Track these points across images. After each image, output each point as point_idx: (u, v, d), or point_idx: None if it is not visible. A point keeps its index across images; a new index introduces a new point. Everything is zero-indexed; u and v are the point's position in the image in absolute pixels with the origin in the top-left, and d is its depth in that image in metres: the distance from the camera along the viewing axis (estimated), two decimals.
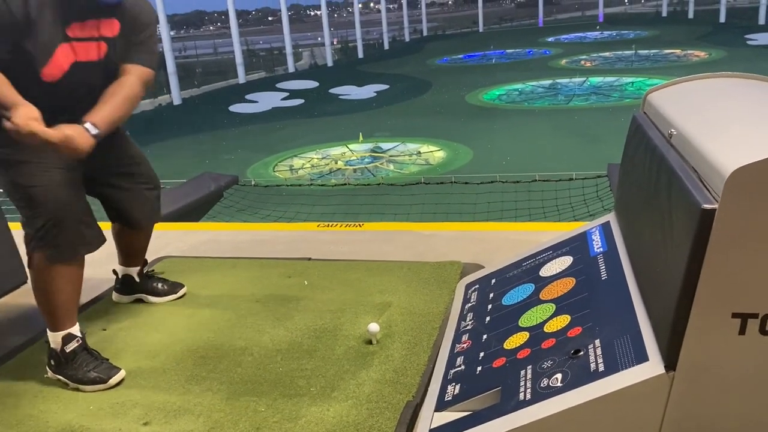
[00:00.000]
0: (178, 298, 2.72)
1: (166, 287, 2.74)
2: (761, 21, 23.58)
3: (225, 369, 2.18)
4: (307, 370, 2.13)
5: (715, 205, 1.30)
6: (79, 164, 2.15)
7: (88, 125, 1.97)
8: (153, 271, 2.81)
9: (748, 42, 19.53)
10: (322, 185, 8.10)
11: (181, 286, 2.76)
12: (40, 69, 1.97)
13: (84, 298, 2.78)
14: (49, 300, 2.17)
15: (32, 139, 1.85)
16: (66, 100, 2.06)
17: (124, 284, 2.71)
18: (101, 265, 2.86)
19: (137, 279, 2.70)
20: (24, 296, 2.87)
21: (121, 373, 2.18)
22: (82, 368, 2.16)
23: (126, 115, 2.13)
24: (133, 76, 2.15)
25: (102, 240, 2.24)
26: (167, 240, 3.56)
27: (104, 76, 2.12)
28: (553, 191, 5.93)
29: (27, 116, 1.85)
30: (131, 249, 2.64)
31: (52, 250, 2.10)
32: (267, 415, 1.91)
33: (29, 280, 2.22)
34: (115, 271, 2.71)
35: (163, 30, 17.19)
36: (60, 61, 2.01)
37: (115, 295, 2.74)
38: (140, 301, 2.72)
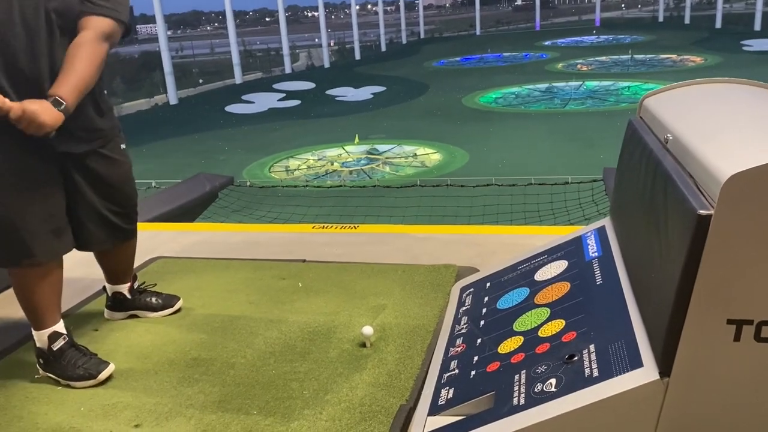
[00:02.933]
0: (175, 312, 2.60)
1: (160, 301, 2.59)
2: (757, 27, 23.67)
3: (217, 371, 2.16)
4: (300, 372, 2.11)
5: (711, 211, 1.29)
6: (55, 161, 2.10)
7: (54, 99, 1.88)
8: (144, 284, 2.65)
9: (744, 48, 19.60)
10: (317, 186, 8.08)
11: (177, 298, 2.62)
12: None
13: (76, 298, 2.77)
14: (27, 300, 2.17)
15: None
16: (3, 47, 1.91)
17: (115, 302, 2.57)
18: (93, 265, 2.84)
19: (129, 296, 2.56)
20: (13, 297, 2.85)
21: (110, 368, 2.16)
22: (70, 365, 2.15)
23: (92, 79, 1.98)
24: (90, 31, 1.98)
25: (53, 255, 2.14)
26: (160, 240, 3.55)
27: (44, 19, 1.94)
28: (549, 195, 5.93)
29: None
30: (113, 268, 2.51)
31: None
32: (259, 419, 1.90)
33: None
34: (104, 288, 2.59)
35: (160, 30, 17.15)
36: None
37: (107, 313, 2.60)
38: (134, 317, 2.58)
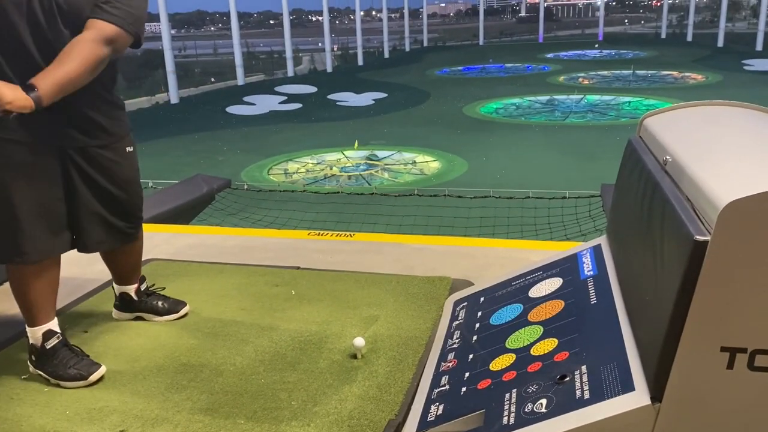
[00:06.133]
0: (180, 318, 2.56)
1: (167, 305, 2.56)
2: (759, 47, 23.77)
3: (206, 378, 2.14)
4: (290, 383, 2.09)
5: (708, 237, 1.28)
6: (55, 158, 2.08)
7: (27, 84, 1.83)
8: (153, 286, 2.62)
9: (745, 67, 19.69)
10: (315, 192, 8.07)
11: (183, 304, 2.59)
12: None
13: (67, 299, 2.74)
14: (22, 296, 2.16)
15: None
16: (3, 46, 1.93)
17: (123, 302, 2.55)
18: (86, 265, 2.83)
19: (135, 297, 2.53)
20: (5, 292, 2.82)
21: (102, 370, 2.15)
22: (62, 364, 2.14)
23: (78, 77, 1.92)
24: (91, 31, 1.96)
25: (46, 254, 2.11)
26: (154, 242, 3.52)
27: (51, 13, 1.96)
28: (546, 209, 5.94)
29: None
30: (117, 269, 2.49)
31: None
32: (246, 428, 1.88)
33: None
34: (113, 288, 2.57)
35: (164, 28, 17.15)
36: None
37: (115, 313, 2.57)
38: (141, 319, 2.55)
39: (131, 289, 2.53)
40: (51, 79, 1.87)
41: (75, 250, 2.27)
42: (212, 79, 21.83)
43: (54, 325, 2.19)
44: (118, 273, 2.51)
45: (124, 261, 2.47)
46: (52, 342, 2.16)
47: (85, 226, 2.22)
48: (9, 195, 2.03)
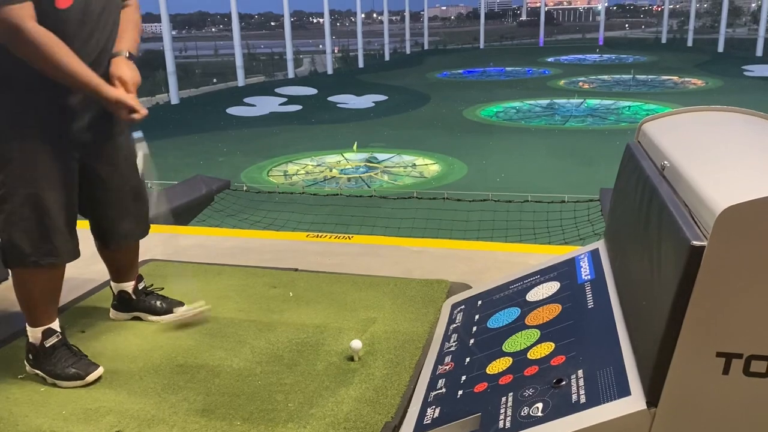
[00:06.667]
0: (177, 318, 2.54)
1: (164, 305, 2.56)
2: (759, 53, 23.79)
3: (203, 379, 2.14)
4: (286, 384, 2.09)
5: (705, 243, 1.29)
6: (76, 157, 2.11)
7: (126, 54, 2.12)
8: (152, 286, 2.62)
9: (745, 73, 19.71)
10: (314, 194, 8.08)
11: (180, 304, 2.58)
12: None
13: (65, 299, 2.73)
14: (28, 297, 2.16)
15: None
16: (78, 28, 2.02)
17: (121, 301, 2.55)
18: (85, 265, 2.81)
19: (133, 296, 2.53)
20: (1, 293, 2.82)
21: (99, 370, 2.15)
22: (60, 364, 2.14)
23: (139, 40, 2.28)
24: (134, 5, 2.28)
25: (74, 255, 2.16)
26: (153, 242, 3.51)
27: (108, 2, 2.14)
28: (545, 212, 5.93)
29: (120, 93, 2.02)
30: (116, 264, 2.50)
31: (16, 254, 2.07)
32: (242, 430, 1.88)
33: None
34: (111, 288, 2.58)
35: (165, 29, 17.16)
36: None
37: (112, 313, 2.58)
38: (138, 319, 2.55)
39: (129, 287, 2.53)
40: (135, 44, 2.20)
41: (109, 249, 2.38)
42: (213, 80, 21.91)
43: (55, 325, 2.20)
44: (117, 269, 2.52)
45: (124, 256, 2.48)
46: (52, 340, 2.17)
47: (114, 218, 2.31)
48: (43, 196, 2.05)
